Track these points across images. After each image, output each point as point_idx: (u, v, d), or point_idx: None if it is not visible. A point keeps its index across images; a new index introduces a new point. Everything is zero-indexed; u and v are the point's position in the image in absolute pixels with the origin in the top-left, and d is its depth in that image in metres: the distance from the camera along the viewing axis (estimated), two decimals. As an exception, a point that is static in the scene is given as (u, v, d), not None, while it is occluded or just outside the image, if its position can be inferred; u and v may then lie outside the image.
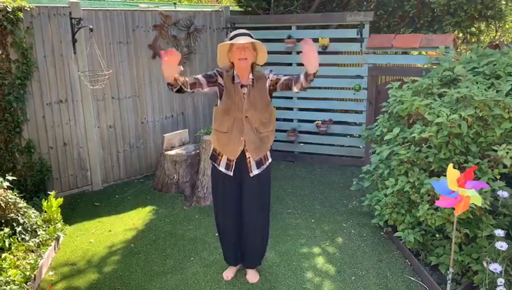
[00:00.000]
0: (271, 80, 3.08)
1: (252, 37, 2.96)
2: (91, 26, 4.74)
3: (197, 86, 2.98)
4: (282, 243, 3.97)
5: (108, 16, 5.18)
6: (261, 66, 3.16)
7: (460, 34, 6.47)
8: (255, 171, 3.14)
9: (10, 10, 4.32)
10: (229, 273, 3.47)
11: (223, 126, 3.07)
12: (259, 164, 3.16)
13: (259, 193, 3.21)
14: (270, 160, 3.24)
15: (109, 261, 3.73)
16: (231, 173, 3.13)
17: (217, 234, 3.60)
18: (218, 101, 3.10)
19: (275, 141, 6.42)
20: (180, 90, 2.89)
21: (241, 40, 2.89)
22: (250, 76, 3.06)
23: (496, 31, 7.22)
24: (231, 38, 2.97)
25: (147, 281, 3.43)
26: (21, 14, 4.41)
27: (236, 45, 2.93)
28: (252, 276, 3.41)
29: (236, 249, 3.39)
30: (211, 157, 3.23)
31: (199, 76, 3.03)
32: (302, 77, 2.91)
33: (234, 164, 3.11)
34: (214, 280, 3.42)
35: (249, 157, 3.10)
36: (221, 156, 3.14)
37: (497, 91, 3.42)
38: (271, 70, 3.14)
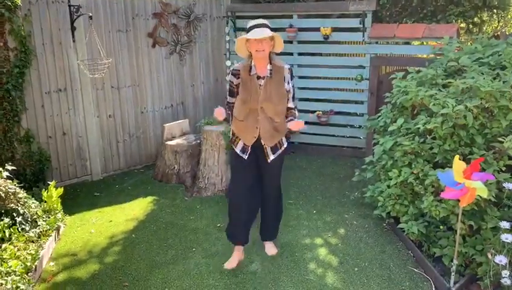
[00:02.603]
0: (288, 89, 3.25)
1: (269, 28, 3.06)
2: (90, 14, 4.67)
3: (232, 107, 3.33)
4: (284, 234, 3.95)
5: (107, 3, 5.10)
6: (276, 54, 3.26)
7: (463, 24, 6.41)
8: (271, 157, 3.32)
9: (8, -3, 4.23)
10: (234, 258, 3.47)
11: (240, 115, 3.26)
12: (274, 149, 3.33)
13: (276, 170, 3.45)
14: (285, 145, 3.40)
15: (110, 252, 3.71)
16: (246, 157, 3.30)
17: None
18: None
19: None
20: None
21: (258, 32, 3.00)
22: (269, 67, 3.17)
23: (498, 22, 7.17)
24: (249, 29, 3.07)
25: (149, 272, 3.41)
26: (19, 1, 4.32)
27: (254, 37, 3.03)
28: (271, 248, 3.62)
29: (245, 225, 3.46)
30: (230, 140, 3.45)
31: (228, 99, 3.33)
32: (288, 120, 3.25)
33: (250, 149, 3.29)
34: (216, 271, 3.41)
35: (265, 145, 3.28)
36: (239, 140, 3.33)
37: (503, 82, 3.38)
38: (290, 68, 3.28)
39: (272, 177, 3.47)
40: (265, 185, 3.48)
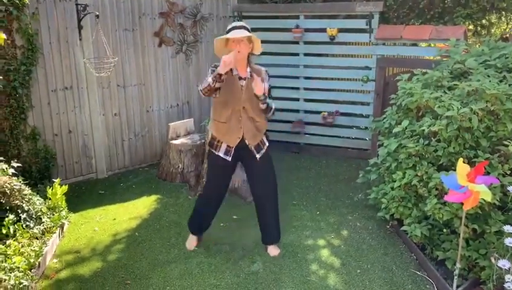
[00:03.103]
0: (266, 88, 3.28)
1: (248, 30, 3.15)
2: (97, 13, 4.69)
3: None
4: (287, 234, 3.95)
5: (114, 2, 5.12)
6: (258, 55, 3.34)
7: (471, 26, 6.36)
8: (258, 156, 3.41)
9: (16, -5, 4.27)
10: (193, 241, 3.73)
11: (222, 116, 3.32)
12: (257, 148, 3.42)
13: (267, 169, 3.51)
14: (267, 144, 3.49)
15: (113, 250, 3.73)
16: (229, 159, 3.38)
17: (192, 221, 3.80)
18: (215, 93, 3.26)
19: (280, 132, 6.41)
20: (210, 91, 3.15)
21: (237, 33, 3.09)
22: (248, 69, 3.29)
23: (507, 24, 7.10)
24: (228, 31, 3.16)
25: (151, 270, 3.42)
26: (27, 0, 4.36)
27: (232, 38, 3.12)
28: (274, 249, 3.66)
29: (206, 220, 3.70)
30: (209, 144, 3.47)
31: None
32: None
33: (233, 150, 3.36)
34: (218, 270, 3.41)
35: (249, 145, 3.36)
36: (221, 143, 3.38)
37: (509, 85, 3.35)
38: (266, 71, 3.41)
39: (266, 176, 3.51)
40: (262, 186, 3.52)
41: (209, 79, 3.10)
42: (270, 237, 3.67)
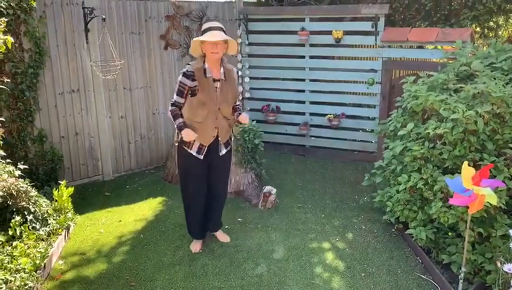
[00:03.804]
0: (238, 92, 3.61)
1: (224, 31, 3.24)
2: (104, 16, 4.73)
3: (182, 108, 3.39)
4: (291, 237, 3.95)
5: (121, 5, 5.16)
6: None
7: (478, 29, 6.33)
8: (223, 151, 3.55)
9: (23, -1, 4.32)
10: (197, 245, 3.76)
11: (198, 116, 3.36)
12: (226, 144, 3.58)
13: (226, 169, 3.72)
14: (232, 138, 3.68)
15: (118, 252, 3.75)
16: (201, 157, 3.47)
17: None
18: (189, 96, 3.35)
19: (286, 134, 6.42)
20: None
21: (214, 35, 3.17)
22: (222, 70, 3.39)
23: (515, 26, 7.05)
24: (204, 31, 3.24)
25: (156, 272, 3.43)
26: (34, 3, 4.41)
27: (208, 40, 3.19)
28: (223, 236, 3.90)
29: (202, 221, 3.74)
30: (181, 141, 3.49)
31: (177, 100, 3.37)
32: (236, 115, 3.49)
33: (206, 148, 3.46)
34: (222, 273, 3.41)
35: (221, 141, 3.50)
36: (194, 142, 3.44)
37: (515, 87, 3.32)
38: (237, 71, 3.59)
39: (223, 173, 3.69)
40: (217, 183, 3.67)
41: (176, 124, 3.37)
42: (216, 225, 3.88)
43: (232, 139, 3.67)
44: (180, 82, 3.32)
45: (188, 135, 3.30)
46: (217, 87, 3.36)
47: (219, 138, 3.47)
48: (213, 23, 3.30)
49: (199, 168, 3.52)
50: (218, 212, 3.83)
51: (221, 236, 3.90)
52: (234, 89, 3.49)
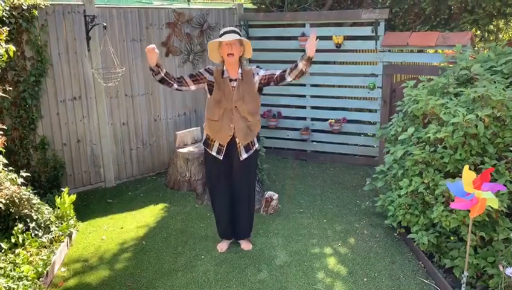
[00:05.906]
0: (261, 76, 3.48)
1: (239, 34, 3.34)
2: (105, 24, 4.76)
3: (184, 84, 3.47)
4: (293, 242, 3.94)
5: (122, 13, 5.20)
6: (249, 60, 3.49)
7: (478, 32, 6.33)
8: (244, 155, 3.56)
9: (25, 8, 4.35)
10: (223, 245, 3.84)
11: (215, 115, 3.49)
12: (247, 148, 3.57)
13: (248, 176, 3.70)
14: (256, 145, 3.66)
15: (121, 258, 3.75)
16: (221, 157, 3.55)
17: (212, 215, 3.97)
18: (208, 95, 3.52)
19: (287, 139, 6.43)
20: (162, 81, 3.36)
21: (228, 37, 3.28)
22: (239, 71, 3.46)
23: (515, 29, 7.05)
24: (220, 35, 3.35)
25: (158, 279, 3.43)
26: (36, 12, 4.44)
27: (224, 41, 3.31)
28: (246, 244, 3.86)
29: (229, 223, 3.79)
30: (204, 142, 3.65)
31: (184, 76, 3.50)
32: (300, 63, 3.30)
33: (225, 149, 3.52)
34: (224, 279, 3.41)
35: (239, 143, 3.51)
36: (214, 142, 3.56)
37: (515, 91, 3.33)
38: (258, 66, 3.58)
39: (245, 176, 3.66)
40: (239, 185, 3.67)
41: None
42: (243, 233, 3.86)
43: (256, 145, 3.65)
44: (199, 71, 3.52)
45: (148, 50, 3.21)
46: (233, 87, 3.45)
47: (236, 139, 3.50)
48: (228, 28, 3.45)
49: (220, 169, 3.61)
50: (243, 222, 3.80)
51: (244, 244, 3.87)
52: (252, 88, 3.49)
